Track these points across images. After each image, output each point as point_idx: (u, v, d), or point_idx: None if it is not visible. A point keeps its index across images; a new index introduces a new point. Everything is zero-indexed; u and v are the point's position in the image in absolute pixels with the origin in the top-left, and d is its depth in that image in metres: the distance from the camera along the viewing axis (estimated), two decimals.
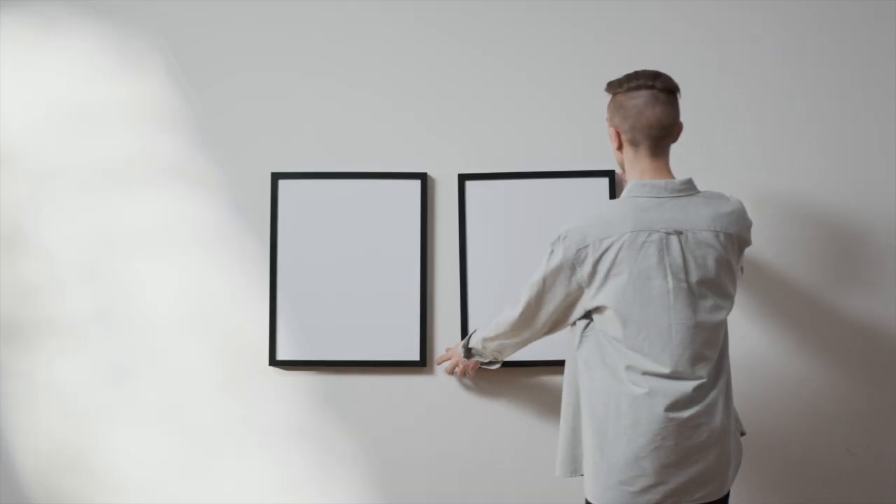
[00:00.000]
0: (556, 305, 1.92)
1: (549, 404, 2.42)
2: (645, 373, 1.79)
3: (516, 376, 2.43)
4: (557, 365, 2.40)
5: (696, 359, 1.79)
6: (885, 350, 2.40)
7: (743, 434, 1.99)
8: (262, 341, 2.45)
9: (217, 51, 2.50)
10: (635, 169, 1.89)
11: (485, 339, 2.16)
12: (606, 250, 1.81)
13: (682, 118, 2.33)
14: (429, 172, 2.46)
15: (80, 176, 2.50)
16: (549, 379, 2.42)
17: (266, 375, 2.46)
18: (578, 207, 2.38)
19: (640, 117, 1.85)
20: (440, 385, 2.44)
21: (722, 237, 1.83)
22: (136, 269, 2.48)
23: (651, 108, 1.85)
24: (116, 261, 2.49)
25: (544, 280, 1.90)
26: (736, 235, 1.86)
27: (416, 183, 2.44)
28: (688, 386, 1.77)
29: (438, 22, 2.49)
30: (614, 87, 1.92)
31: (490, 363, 2.28)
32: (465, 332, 2.41)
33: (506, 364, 2.40)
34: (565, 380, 1.99)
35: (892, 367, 2.40)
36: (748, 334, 2.41)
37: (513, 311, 2.02)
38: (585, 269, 1.83)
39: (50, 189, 2.50)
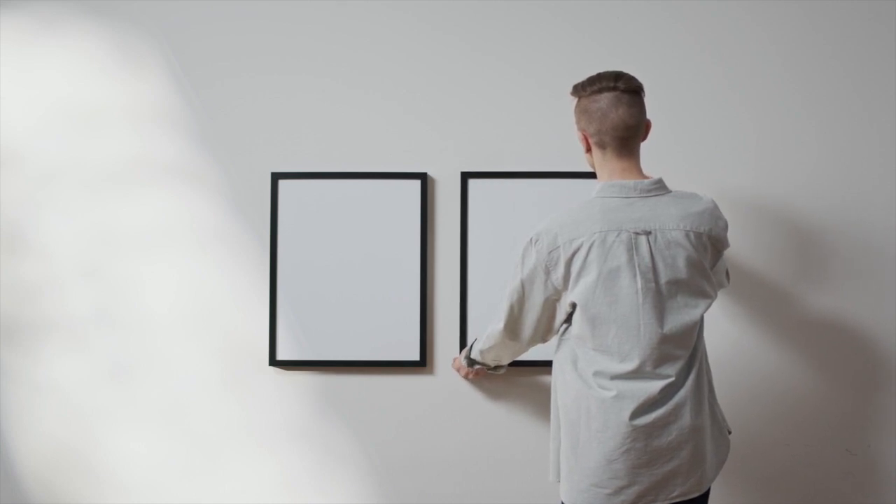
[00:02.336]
0: (538, 313, 1.93)
1: (549, 404, 2.41)
2: (613, 376, 1.79)
3: (516, 376, 2.43)
4: None
5: (664, 358, 1.79)
6: (885, 350, 2.40)
7: (729, 433, 1.98)
8: (262, 341, 2.45)
9: (217, 51, 2.50)
10: (604, 170, 1.90)
11: (482, 351, 2.18)
12: (577, 250, 1.81)
13: (678, 118, 2.33)
14: (429, 172, 2.46)
15: (80, 176, 2.50)
16: (549, 379, 2.41)
17: (266, 375, 2.46)
18: None
19: (605, 120, 1.85)
20: (440, 385, 2.44)
21: (692, 236, 1.82)
22: (136, 269, 2.48)
23: (615, 109, 1.85)
24: (116, 261, 2.49)
25: (522, 286, 1.91)
26: (707, 234, 1.84)
27: (416, 183, 2.44)
28: (655, 386, 1.78)
29: (439, 22, 2.49)
30: (578, 90, 1.92)
31: (496, 368, 2.30)
32: (464, 332, 2.41)
33: None
34: (551, 384, 2.00)
35: (891, 367, 2.40)
36: (749, 334, 2.41)
37: (497, 325, 2.02)
38: (559, 270, 1.83)
39: (50, 189, 2.50)
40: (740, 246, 2.39)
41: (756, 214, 2.41)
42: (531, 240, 1.87)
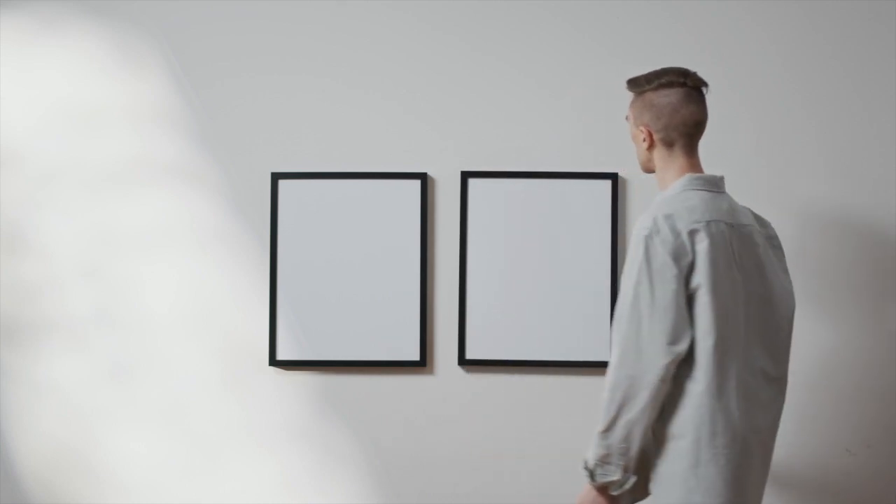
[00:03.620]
0: (673, 314, 1.66)
1: (549, 404, 2.42)
2: (739, 378, 1.69)
3: (516, 376, 2.43)
4: (557, 365, 2.41)
5: (767, 359, 1.74)
6: (885, 350, 2.40)
7: None
8: (262, 341, 2.45)
9: (217, 51, 2.50)
10: (671, 167, 1.82)
11: (602, 435, 1.70)
12: (697, 235, 1.69)
13: None
14: (429, 172, 2.46)
15: (80, 176, 2.50)
16: (549, 379, 2.42)
17: (266, 375, 2.46)
18: (580, 209, 2.40)
19: (675, 115, 1.79)
20: (440, 385, 2.44)
21: (761, 232, 1.80)
22: (136, 269, 2.48)
23: (686, 105, 1.80)
24: (116, 261, 2.49)
25: (651, 286, 1.67)
26: (764, 234, 1.82)
27: (416, 183, 2.44)
28: (769, 392, 1.73)
29: (439, 22, 2.49)
30: (640, 84, 1.85)
31: (623, 480, 1.71)
32: (463, 332, 2.41)
33: (505, 364, 2.41)
34: None
35: (892, 366, 2.40)
36: None
37: (612, 357, 1.70)
38: (687, 257, 1.68)
39: (50, 189, 2.50)
40: None
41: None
42: (649, 234, 1.68)
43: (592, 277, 2.40)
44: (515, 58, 2.47)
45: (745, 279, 1.74)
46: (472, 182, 2.43)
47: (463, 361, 2.42)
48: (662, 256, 1.67)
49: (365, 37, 2.49)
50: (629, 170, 2.41)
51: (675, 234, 1.68)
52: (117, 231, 2.49)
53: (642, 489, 1.73)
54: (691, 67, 2.43)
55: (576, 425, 2.42)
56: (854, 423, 2.40)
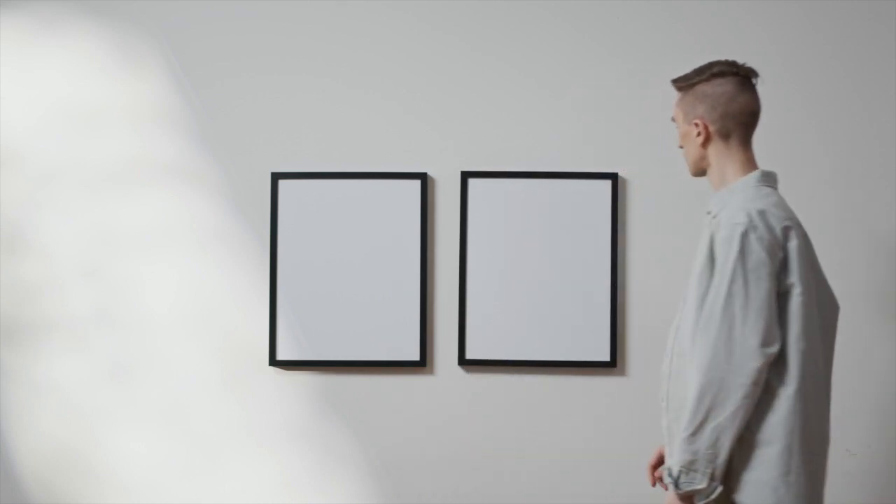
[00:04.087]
0: (767, 312, 1.58)
1: (549, 404, 2.42)
2: (822, 383, 1.66)
3: (516, 376, 2.43)
4: (557, 365, 2.41)
5: (827, 364, 1.71)
6: (885, 350, 2.40)
7: None
8: (262, 341, 2.45)
9: (217, 51, 2.50)
10: (730, 162, 1.72)
11: (688, 439, 1.58)
12: (790, 234, 1.62)
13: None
14: (429, 172, 2.46)
15: (80, 176, 2.50)
16: (549, 379, 2.42)
17: (266, 375, 2.46)
18: (580, 209, 2.40)
19: (731, 104, 1.70)
20: (440, 385, 2.44)
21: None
22: (136, 269, 2.48)
23: (742, 93, 1.71)
24: (116, 261, 2.49)
25: (745, 284, 1.58)
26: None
27: (416, 183, 2.44)
28: (827, 395, 1.70)
29: (439, 22, 2.49)
30: (689, 78, 1.75)
31: (709, 490, 1.59)
32: (463, 332, 2.41)
33: (505, 364, 2.41)
34: None
35: (892, 366, 2.40)
36: None
37: (701, 359, 1.59)
38: (780, 253, 1.61)
39: (50, 189, 2.50)
40: None
41: None
42: (745, 231, 1.59)
43: (592, 277, 2.40)
44: (515, 58, 2.47)
45: (815, 281, 1.69)
46: (472, 182, 2.43)
47: (463, 361, 2.42)
48: (759, 253, 1.58)
49: (365, 37, 2.49)
50: (629, 170, 2.41)
51: (770, 230, 1.60)
52: (117, 231, 2.49)
53: (724, 499, 1.62)
54: (691, 68, 2.44)
55: (576, 425, 2.42)
56: (854, 424, 2.40)
